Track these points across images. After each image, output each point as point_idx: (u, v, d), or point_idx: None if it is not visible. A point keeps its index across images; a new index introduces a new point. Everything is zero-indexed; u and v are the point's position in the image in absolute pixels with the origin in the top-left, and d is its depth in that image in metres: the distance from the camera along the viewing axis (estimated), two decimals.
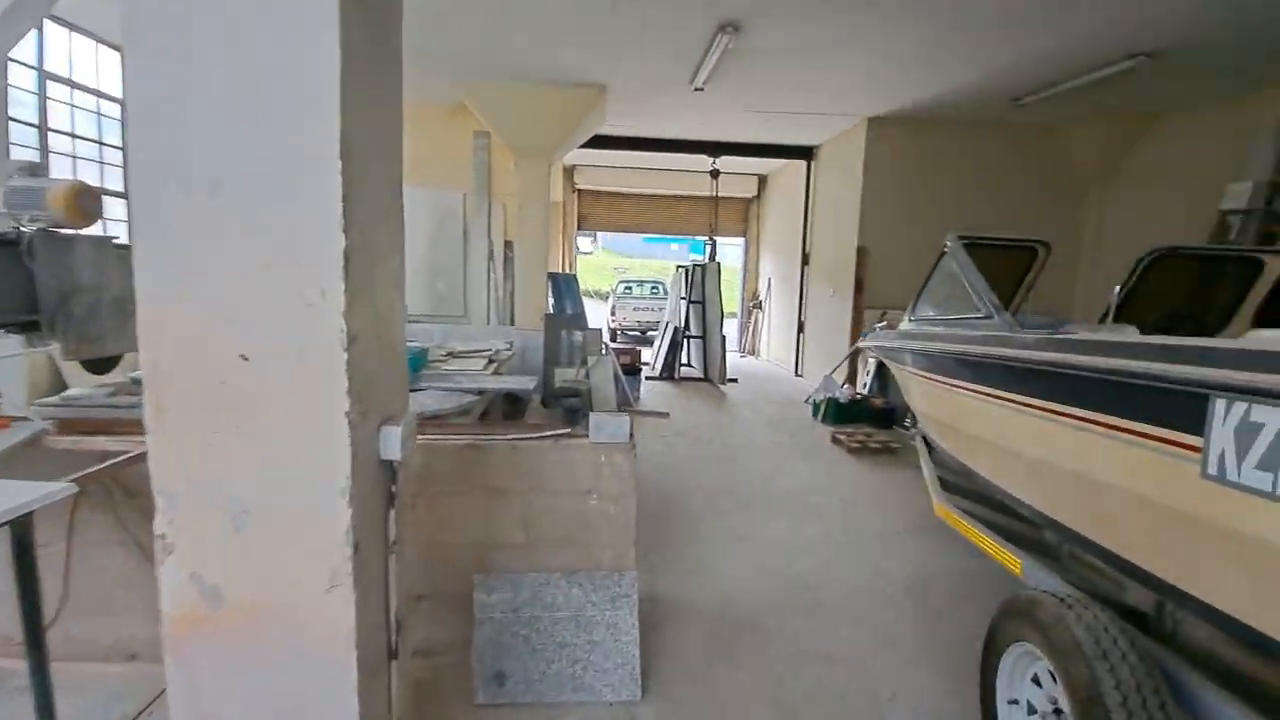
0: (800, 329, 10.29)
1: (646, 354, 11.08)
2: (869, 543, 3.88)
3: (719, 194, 10.58)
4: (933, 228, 8.74)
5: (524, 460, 2.49)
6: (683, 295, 10.05)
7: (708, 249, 10.25)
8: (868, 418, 6.87)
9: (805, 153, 9.86)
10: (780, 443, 6.08)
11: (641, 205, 12.92)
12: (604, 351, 7.37)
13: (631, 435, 2.53)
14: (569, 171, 12.22)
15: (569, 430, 2.63)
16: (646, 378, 9.43)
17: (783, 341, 11.30)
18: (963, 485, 3.19)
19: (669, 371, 9.56)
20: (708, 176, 10.28)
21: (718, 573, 3.41)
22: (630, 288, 16.66)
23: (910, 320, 3.76)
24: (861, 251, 8.25)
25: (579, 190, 12.64)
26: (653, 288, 16.36)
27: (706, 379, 9.58)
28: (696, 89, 6.70)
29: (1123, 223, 7.98)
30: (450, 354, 4.70)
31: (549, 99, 6.98)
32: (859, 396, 7.07)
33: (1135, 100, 6.99)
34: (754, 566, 3.50)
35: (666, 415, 7.04)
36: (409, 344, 2.79)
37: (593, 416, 2.53)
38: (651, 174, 12.12)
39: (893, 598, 3.20)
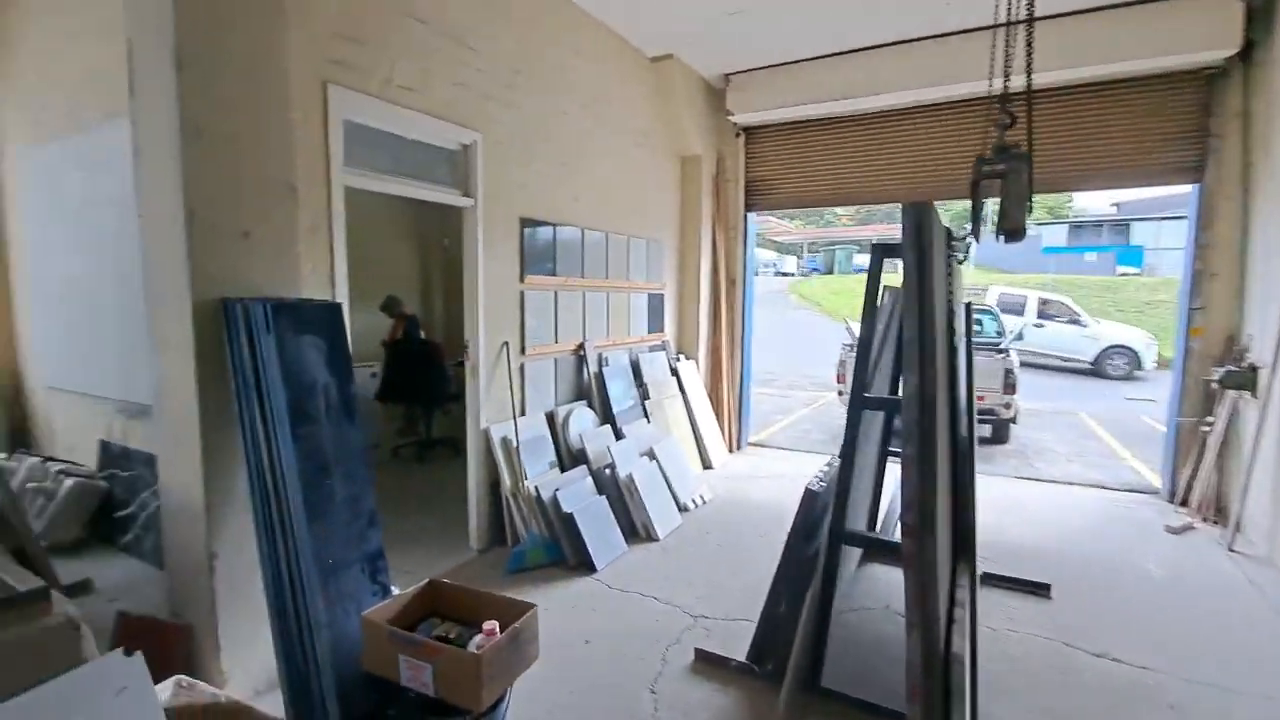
0: None
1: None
2: None
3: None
4: None
5: None
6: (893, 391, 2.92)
7: (968, 225, 2.64)
8: None
9: None
10: None
11: (873, 139, 5.46)
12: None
13: None
14: (714, 92, 5.86)
15: None
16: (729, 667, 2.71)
17: None
18: None
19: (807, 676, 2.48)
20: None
21: None
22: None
23: None
24: None
25: (745, 130, 6.02)
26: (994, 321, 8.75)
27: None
28: None
29: None
30: None
31: None
32: None
33: None
34: None
35: None
36: None
37: None
38: (888, 54, 4.86)
39: None
